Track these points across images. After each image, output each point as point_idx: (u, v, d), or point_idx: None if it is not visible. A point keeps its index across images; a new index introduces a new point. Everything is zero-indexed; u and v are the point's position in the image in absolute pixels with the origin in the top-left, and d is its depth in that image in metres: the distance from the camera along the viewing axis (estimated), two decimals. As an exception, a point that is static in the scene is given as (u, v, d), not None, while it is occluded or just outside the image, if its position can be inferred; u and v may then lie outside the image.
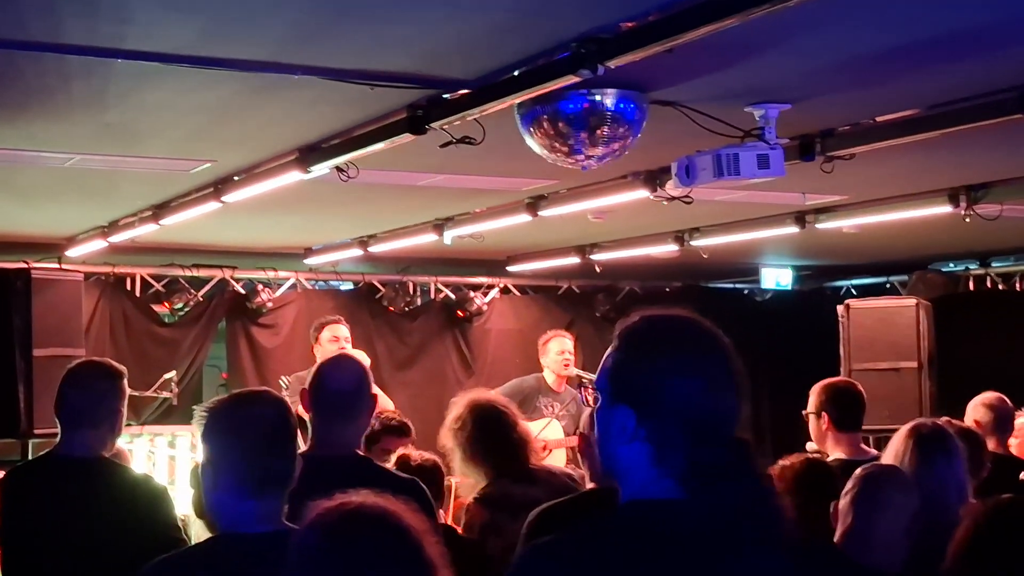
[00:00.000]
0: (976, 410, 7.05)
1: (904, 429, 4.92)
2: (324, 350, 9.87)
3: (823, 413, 6.22)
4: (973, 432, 5.90)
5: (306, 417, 4.62)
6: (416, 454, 5.76)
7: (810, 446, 6.62)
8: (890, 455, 4.87)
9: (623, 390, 2.46)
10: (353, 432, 4.59)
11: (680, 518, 2.34)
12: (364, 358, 9.45)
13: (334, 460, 4.23)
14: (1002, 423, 7.06)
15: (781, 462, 5.14)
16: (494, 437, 5.55)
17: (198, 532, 5.93)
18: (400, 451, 5.92)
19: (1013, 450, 7.24)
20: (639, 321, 2.53)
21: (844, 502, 4.41)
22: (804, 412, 6.35)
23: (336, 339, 9.89)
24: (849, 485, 4.44)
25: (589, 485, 4.78)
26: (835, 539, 4.39)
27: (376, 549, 2.58)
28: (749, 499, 2.34)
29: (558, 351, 10.39)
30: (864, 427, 6.48)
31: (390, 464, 5.57)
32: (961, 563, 3.97)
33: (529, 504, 4.74)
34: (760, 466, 2.42)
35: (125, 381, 5.18)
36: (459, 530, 5.51)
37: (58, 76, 5.76)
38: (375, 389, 4.81)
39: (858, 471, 4.51)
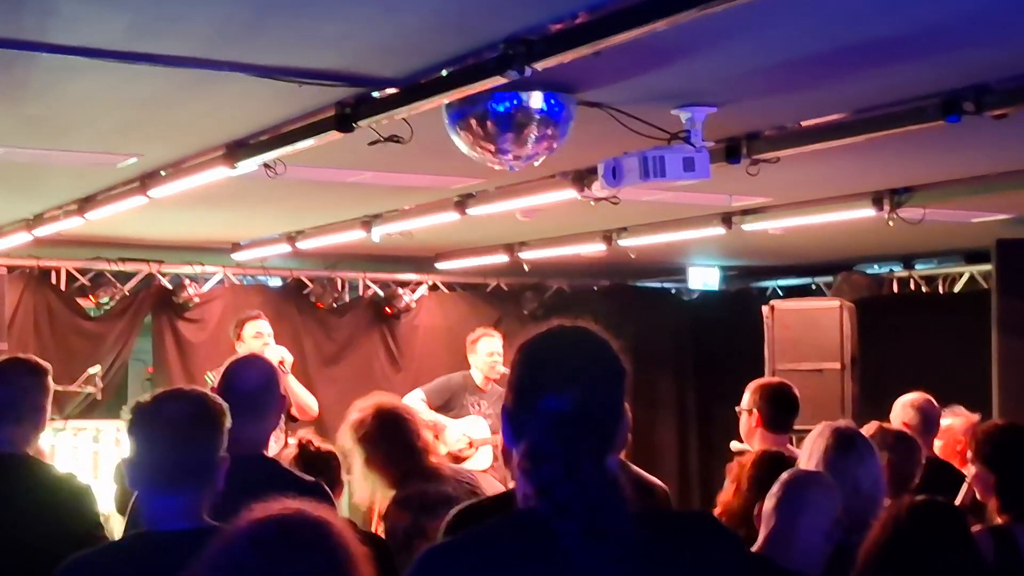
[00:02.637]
0: (905, 412, 7.08)
1: (819, 430, 4.96)
2: (248, 346, 9.77)
3: (754, 411, 6.30)
4: (907, 434, 5.96)
5: None
6: (317, 440, 5.75)
7: (735, 445, 6.68)
8: (807, 456, 4.91)
9: (504, 400, 2.69)
10: (260, 432, 4.59)
11: (532, 521, 2.48)
12: (287, 355, 9.43)
13: (240, 461, 4.17)
14: (928, 424, 7.09)
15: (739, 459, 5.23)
16: (402, 439, 5.56)
17: (119, 528, 5.89)
18: (301, 434, 5.91)
19: (937, 451, 7.29)
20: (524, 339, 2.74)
21: (769, 505, 4.45)
22: (737, 408, 6.42)
23: (260, 335, 9.75)
24: (774, 489, 4.48)
25: (511, 484, 4.80)
26: (759, 542, 4.43)
27: (309, 566, 2.56)
28: (562, 481, 2.47)
29: (487, 352, 10.39)
30: (788, 426, 6.56)
31: (291, 449, 5.58)
32: (873, 564, 4.02)
33: (445, 501, 4.75)
34: (588, 451, 2.52)
35: (50, 378, 5.16)
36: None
37: (-19, 68, 5.72)
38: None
39: (783, 475, 4.55)
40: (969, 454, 5.52)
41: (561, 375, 2.58)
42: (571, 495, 2.46)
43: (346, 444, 5.60)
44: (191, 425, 3.52)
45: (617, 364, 2.63)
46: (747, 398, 6.41)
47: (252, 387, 4.54)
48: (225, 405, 3.72)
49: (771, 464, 5.15)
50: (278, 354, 9.21)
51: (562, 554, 2.45)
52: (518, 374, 2.66)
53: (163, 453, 3.47)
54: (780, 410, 6.38)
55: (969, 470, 5.54)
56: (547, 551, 2.46)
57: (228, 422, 3.69)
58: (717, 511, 5.24)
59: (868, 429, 5.52)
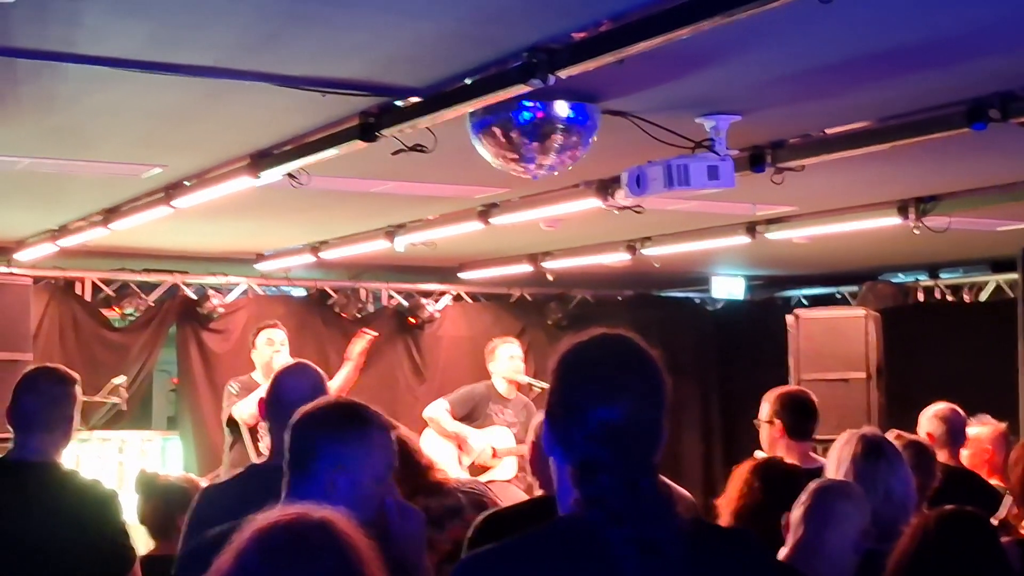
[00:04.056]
0: (929, 422, 7.05)
1: (846, 438, 4.93)
2: (260, 353, 9.88)
3: (776, 421, 6.26)
4: (922, 444, 5.92)
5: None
6: None
7: (759, 454, 6.65)
8: (835, 464, 4.88)
9: (547, 408, 2.66)
10: None
11: (580, 529, 2.49)
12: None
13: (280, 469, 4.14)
14: (954, 435, 7.05)
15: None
16: (401, 464, 5.56)
17: (140, 539, 5.90)
18: None
19: (964, 461, 7.25)
20: (568, 343, 2.70)
21: (796, 514, 4.43)
22: (756, 420, 6.37)
23: (271, 342, 9.86)
24: (803, 498, 4.46)
25: (538, 492, 4.79)
26: (786, 551, 4.41)
27: (320, 568, 2.56)
28: (618, 493, 2.49)
29: (508, 356, 10.35)
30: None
31: None
32: (902, 574, 4.00)
33: (449, 513, 4.74)
34: (641, 462, 2.55)
35: (78, 387, 5.19)
36: None
37: (6, 79, 5.72)
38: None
39: (812, 484, 4.53)
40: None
41: (612, 386, 2.57)
42: (626, 506, 2.47)
43: None
44: None
45: (661, 376, 2.62)
46: (766, 409, 6.35)
47: (298, 396, 4.51)
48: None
49: (766, 473, 5.15)
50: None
51: (611, 563, 2.45)
52: (565, 382, 2.63)
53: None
54: (801, 417, 6.33)
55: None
56: (596, 560, 2.46)
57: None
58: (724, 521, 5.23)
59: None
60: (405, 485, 5.53)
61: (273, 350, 9.70)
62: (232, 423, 9.57)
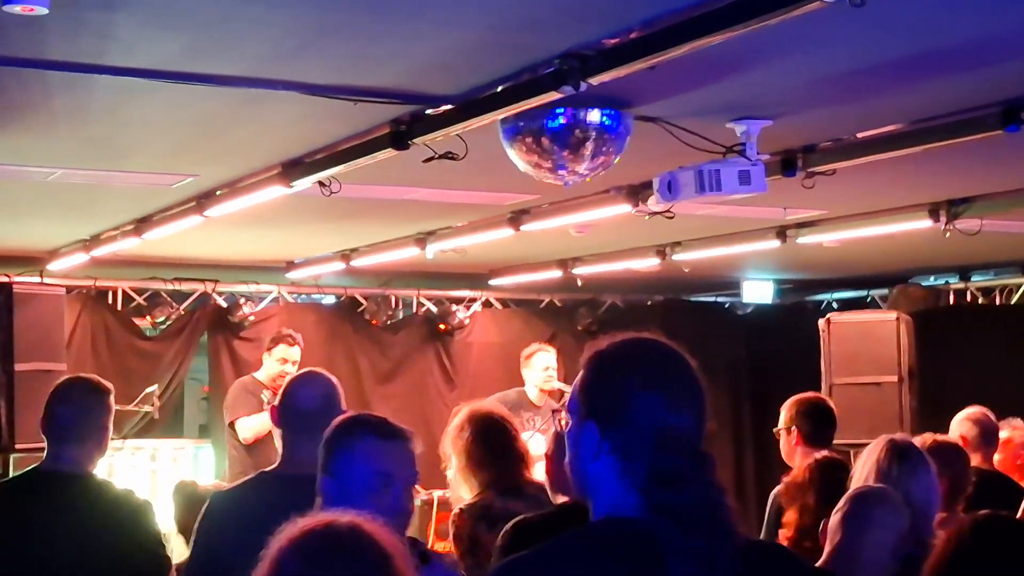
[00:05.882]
0: (961, 425, 7.03)
1: (875, 444, 4.92)
2: (271, 360, 10.46)
3: (793, 428, 6.23)
4: (955, 445, 5.90)
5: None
6: None
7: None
8: (862, 468, 4.87)
9: (591, 408, 2.58)
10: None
11: (639, 535, 2.45)
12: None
13: (299, 479, 4.06)
14: (987, 438, 7.03)
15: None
16: (492, 446, 5.54)
17: (178, 548, 5.93)
18: None
19: (997, 465, 7.23)
20: (606, 344, 2.65)
21: (835, 519, 4.43)
22: (775, 429, 6.35)
23: (284, 360, 10.36)
24: (841, 503, 4.46)
25: (560, 499, 4.78)
26: (823, 556, 4.40)
27: (357, 570, 2.57)
28: (699, 504, 2.45)
29: (543, 367, 10.38)
30: (844, 441, 6.50)
31: None
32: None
33: (509, 518, 4.73)
34: (715, 474, 2.53)
35: (112, 398, 5.20)
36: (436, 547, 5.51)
37: (40, 91, 5.76)
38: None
39: (851, 490, 4.53)
40: None
41: (679, 391, 2.54)
42: (703, 518, 2.44)
43: (446, 450, 5.60)
44: None
45: (703, 384, 2.60)
46: (784, 416, 6.31)
47: (310, 406, 4.51)
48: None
49: (827, 470, 5.14)
50: None
51: (662, 573, 2.42)
52: (622, 386, 2.56)
53: None
54: (818, 424, 6.29)
55: None
56: (648, 567, 2.42)
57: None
58: (787, 533, 5.22)
59: (920, 441, 5.48)
60: (489, 473, 5.52)
61: (280, 369, 10.19)
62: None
